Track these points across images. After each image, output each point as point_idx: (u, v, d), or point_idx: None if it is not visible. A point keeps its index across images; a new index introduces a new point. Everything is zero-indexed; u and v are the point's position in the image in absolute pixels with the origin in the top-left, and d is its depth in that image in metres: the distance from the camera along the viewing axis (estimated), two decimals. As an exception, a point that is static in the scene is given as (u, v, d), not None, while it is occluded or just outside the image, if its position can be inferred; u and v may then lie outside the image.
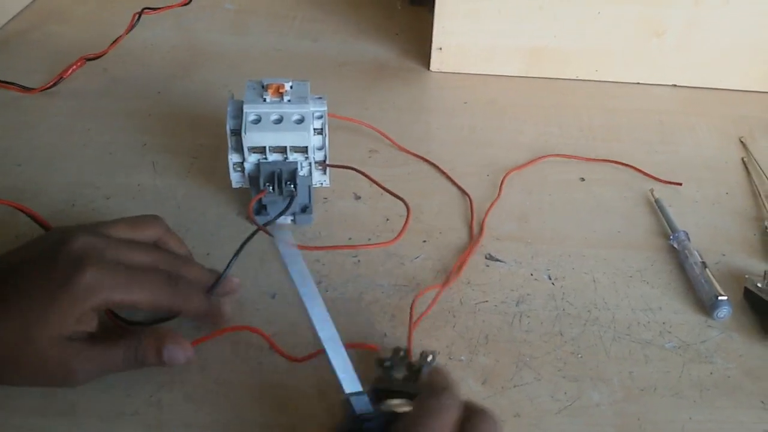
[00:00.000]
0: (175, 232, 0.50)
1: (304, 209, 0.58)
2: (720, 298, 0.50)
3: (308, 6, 0.92)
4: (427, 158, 0.66)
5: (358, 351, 0.46)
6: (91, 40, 0.80)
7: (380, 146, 0.67)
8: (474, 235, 0.58)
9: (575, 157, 0.67)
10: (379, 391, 0.41)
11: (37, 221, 0.52)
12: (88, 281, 0.39)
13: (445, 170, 0.65)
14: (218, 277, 0.47)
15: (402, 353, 0.45)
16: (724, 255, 0.57)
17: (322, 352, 0.39)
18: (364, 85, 0.77)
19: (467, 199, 0.61)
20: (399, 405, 0.39)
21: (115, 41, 0.79)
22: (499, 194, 0.62)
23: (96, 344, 0.41)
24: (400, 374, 0.43)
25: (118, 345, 0.42)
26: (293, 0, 0.94)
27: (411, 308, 0.49)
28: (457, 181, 0.63)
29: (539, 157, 0.67)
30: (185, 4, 0.89)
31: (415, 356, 0.45)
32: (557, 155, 0.67)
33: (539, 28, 0.76)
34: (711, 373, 0.47)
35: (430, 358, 0.44)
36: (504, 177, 0.64)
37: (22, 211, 0.52)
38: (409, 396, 0.39)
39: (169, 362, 0.43)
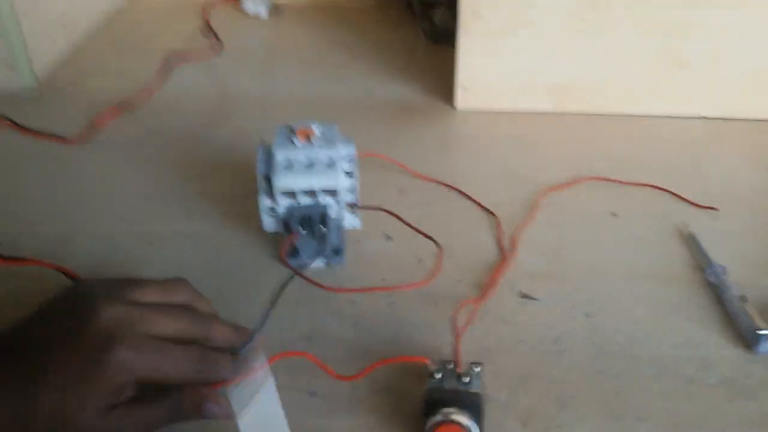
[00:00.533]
0: (201, 293, 0.49)
1: (337, 251, 0.58)
2: (761, 332, 0.49)
3: (334, 50, 0.94)
4: (456, 188, 0.66)
5: (408, 364, 0.47)
6: (125, 90, 0.83)
7: (409, 185, 0.68)
8: (506, 255, 0.58)
9: (612, 180, 0.67)
10: (432, 401, 0.42)
11: (71, 278, 0.53)
12: (118, 359, 0.39)
13: (474, 202, 0.65)
14: (251, 334, 0.48)
15: (450, 365, 0.45)
16: (763, 288, 0.56)
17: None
18: (392, 125, 0.78)
19: (498, 231, 0.62)
20: (452, 413, 0.41)
21: (149, 92, 0.82)
22: (532, 216, 0.63)
23: (136, 406, 0.41)
24: (450, 385, 0.44)
25: (159, 403, 0.41)
26: (319, 45, 0.96)
27: (454, 320, 0.49)
28: (486, 212, 0.64)
29: (575, 181, 0.67)
30: (216, 54, 0.91)
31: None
32: (593, 178, 0.67)
33: (562, 63, 0.77)
34: (756, 410, 0.46)
35: (478, 368, 0.45)
36: (536, 203, 0.65)
37: (58, 270, 0.54)
38: (460, 405, 0.41)
39: (208, 416, 0.43)
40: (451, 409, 0.41)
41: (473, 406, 0.42)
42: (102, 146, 0.74)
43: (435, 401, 0.42)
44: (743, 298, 0.53)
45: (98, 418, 0.39)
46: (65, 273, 0.55)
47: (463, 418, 0.41)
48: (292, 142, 0.56)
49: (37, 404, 0.38)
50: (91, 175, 0.70)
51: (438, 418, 0.41)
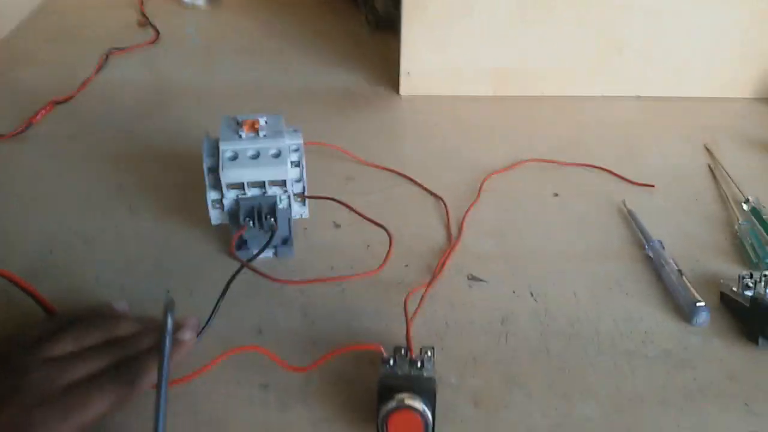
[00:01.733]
0: (127, 313, 0.48)
1: (285, 241, 0.58)
2: (698, 304, 0.51)
3: (273, 38, 0.93)
4: (402, 174, 0.67)
5: (361, 352, 0.47)
6: (59, 83, 0.80)
7: (356, 172, 0.68)
8: (454, 239, 0.59)
9: (550, 161, 0.68)
10: (386, 387, 0.42)
11: (13, 282, 0.51)
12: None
13: (421, 187, 0.66)
14: (205, 323, 0.47)
15: (403, 350, 0.46)
16: (698, 261, 0.58)
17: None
18: (336, 113, 0.78)
19: (446, 215, 0.62)
20: (406, 398, 0.41)
21: (83, 83, 0.79)
22: (477, 199, 0.64)
23: None
24: (403, 371, 0.44)
25: None
26: (258, 32, 0.95)
27: (405, 305, 0.50)
28: (433, 196, 0.64)
29: (517, 163, 0.68)
30: (152, 43, 0.89)
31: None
32: (534, 160, 0.69)
33: (503, 49, 0.78)
34: (695, 379, 0.48)
35: (429, 353, 0.45)
36: (481, 186, 0.66)
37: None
38: (414, 390, 0.42)
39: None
40: (404, 395, 0.42)
41: (426, 390, 0.42)
42: (36, 141, 0.72)
43: (388, 387, 0.43)
44: (681, 272, 0.55)
45: None
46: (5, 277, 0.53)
47: (417, 403, 0.42)
48: (238, 134, 0.55)
49: None
50: (26, 172, 0.67)
51: (392, 404, 0.42)
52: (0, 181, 0.66)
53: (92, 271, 0.56)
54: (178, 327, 0.45)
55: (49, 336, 0.43)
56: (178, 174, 0.67)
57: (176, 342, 0.45)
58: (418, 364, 0.44)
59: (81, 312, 0.47)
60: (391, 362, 0.45)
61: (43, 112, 0.75)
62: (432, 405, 0.42)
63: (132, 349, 0.44)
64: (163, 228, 0.61)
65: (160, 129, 0.74)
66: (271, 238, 0.55)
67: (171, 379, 0.42)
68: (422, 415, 0.41)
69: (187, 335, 0.46)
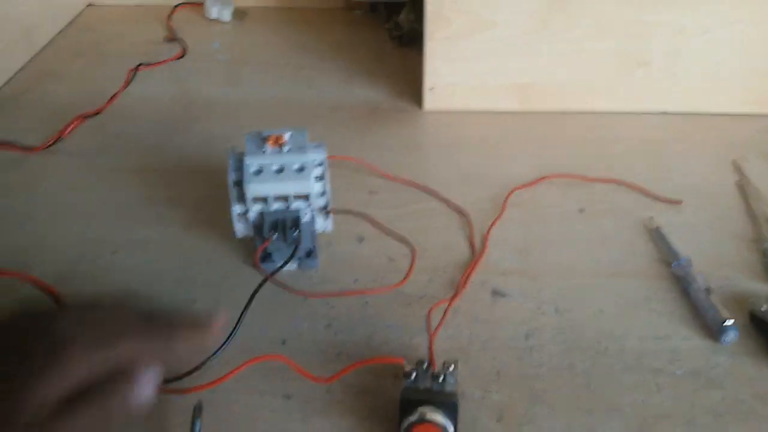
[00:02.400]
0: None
1: (309, 254, 0.58)
2: (726, 323, 0.51)
3: (297, 53, 0.94)
4: (426, 189, 0.67)
5: (384, 366, 0.47)
6: (88, 97, 0.82)
7: (380, 186, 0.68)
8: (477, 253, 0.58)
9: (576, 177, 0.68)
10: (408, 401, 0.42)
11: (39, 287, 0.53)
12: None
13: (445, 201, 0.66)
14: (229, 335, 0.48)
15: (426, 364, 0.46)
16: (726, 279, 0.57)
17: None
18: (360, 128, 0.78)
19: (469, 229, 0.62)
20: (428, 412, 0.41)
21: (112, 98, 0.81)
22: (501, 214, 0.64)
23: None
24: (425, 384, 0.44)
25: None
26: (282, 48, 0.96)
27: (428, 319, 0.50)
28: (457, 211, 0.65)
29: (541, 178, 0.68)
30: (179, 58, 0.90)
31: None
32: (559, 175, 0.69)
33: (527, 64, 0.78)
34: (723, 399, 0.47)
35: (452, 367, 0.45)
36: (505, 201, 0.66)
37: (26, 279, 0.53)
38: (436, 404, 0.42)
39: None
40: (426, 408, 0.42)
41: (448, 404, 0.42)
42: (66, 154, 0.73)
43: (411, 401, 0.43)
44: (708, 290, 0.54)
45: None
46: (33, 282, 0.55)
47: (439, 417, 0.42)
48: (263, 149, 0.55)
49: None
50: (56, 184, 0.69)
51: (414, 417, 0.42)
52: (31, 192, 0.67)
53: (119, 281, 0.57)
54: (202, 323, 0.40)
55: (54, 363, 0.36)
56: (205, 187, 0.67)
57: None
58: (441, 378, 0.44)
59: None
60: (414, 376, 0.44)
61: (73, 126, 0.76)
62: (454, 419, 0.42)
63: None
64: (189, 240, 0.61)
65: (186, 143, 0.75)
66: (295, 251, 0.55)
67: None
68: (444, 429, 0.41)
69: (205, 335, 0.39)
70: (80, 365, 0.35)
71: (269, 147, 0.55)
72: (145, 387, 0.36)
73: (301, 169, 0.55)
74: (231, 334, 0.49)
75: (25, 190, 0.68)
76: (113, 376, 0.36)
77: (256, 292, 0.51)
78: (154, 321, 0.39)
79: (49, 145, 0.73)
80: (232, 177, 0.55)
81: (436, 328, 0.51)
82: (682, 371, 0.49)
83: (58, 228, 0.63)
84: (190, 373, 0.46)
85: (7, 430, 0.34)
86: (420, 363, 0.46)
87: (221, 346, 0.48)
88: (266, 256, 0.58)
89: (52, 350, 0.35)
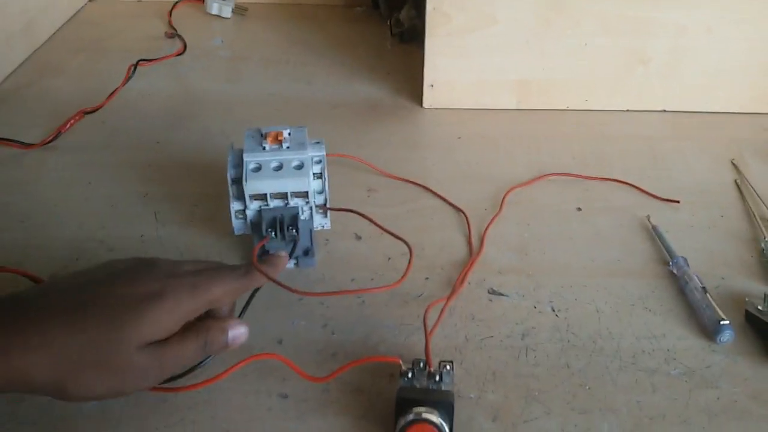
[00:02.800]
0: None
1: (307, 252, 0.59)
2: (722, 322, 0.51)
3: (299, 50, 0.94)
4: (424, 187, 0.67)
5: (380, 365, 0.48)
6: (88, 93, 0.82)
7: (378, 184, 0.68)
8: (475, 252, 0.59)
9: (574, 175, 0.68)
10: (404, 400, 0.43)
11: (36, 283, 0.53)
12: (166, 307, 0.42)
13: (443, 200, 0.66)
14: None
15: (422, 364, 0.46)
16: (723, 278, 0.57)
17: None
18: (359, 125, 0.78)
19: (467, 228, 0.62)
20: (423, 411, 0.42)
21: (111, 93, 0.81)
22: (499, 212, 0.64)
23: (169, 344, 0.42)
24: (421, 384, 0.44)
25: (189, 339, 0.43)
26: (284, 45, 0.96)
27: (424, 318, 0.50)
28: (455, 209, 0.65)
29: (540, 176, 0.68)
30: (179, 54, 0.90)
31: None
32: (557, 174, 0.69)
33: (527, 61, 0.78)
34: (718, 399, 0.47)
35: (448, 366, 0.46)
36: (503, 199, 0.66)
37: (23, 275, 0.53)
38: (431, 403, 0.42)
39: (233, 343, 0.45)
40: (422, 408, 0.42)
41: (444, 403, 0.42)
42: (64, 150, 0.73)
43: (406, 400, 0.43)
44: (705, 290, 0.54)
45: (138, 353, 0.41)
46: (31, 278, 0.55)
47: (434, 417, 0.42)
48: (262, 146, 0.56)
49: (85, 331, 0.40)
50: (54, 180, 0.69)
51: (409, 417, 0.42)
52: (29, 188, 0.68)
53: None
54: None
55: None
56: (203, 184, 0.67)
57: (273, 258, 0.51)
58: (437, 378, 0.44)
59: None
60: (410, 375, 0.45)
61: (73, 121, 0.76)
62: (449, 419, 0.42)
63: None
64: (187, 236, 0.61)
65: (186, 139, 0.75)
66: (293, 249, 0.55)
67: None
68: (439, 428, 0.41)
69: (282, 253, 0.52)
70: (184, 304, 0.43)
71: (268, 144, 0.56)
72: (238, 327, 0.46)
73: (300, 167, 0.55)
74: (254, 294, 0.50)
75: (24, 186, 0.68)
76: (211, 315, 0.46)
77: (256, 291, 0.51)
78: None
79: (48, 141, 0.73)
80: (230, 174, 0.55)
81: (433, 328, 0.51)
82: (677, 371, 0.49)
83: (55, 224, 0.63)
84: (187, 373, 0.46)
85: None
86: (416, 362, 0.46)
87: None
88: (264, 254, 0.58)
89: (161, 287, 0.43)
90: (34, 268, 0.56)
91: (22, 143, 0.73)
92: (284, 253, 0.52)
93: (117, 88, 0.81)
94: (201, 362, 0.47)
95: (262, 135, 0.56)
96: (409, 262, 0.53)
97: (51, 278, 0.50)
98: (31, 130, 0.75)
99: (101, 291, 0.42)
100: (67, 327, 0.39)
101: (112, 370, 0.40)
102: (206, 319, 0.45)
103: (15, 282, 0.55)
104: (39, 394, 0.40)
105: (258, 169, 0.54)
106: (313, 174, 0.56)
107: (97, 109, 0.78)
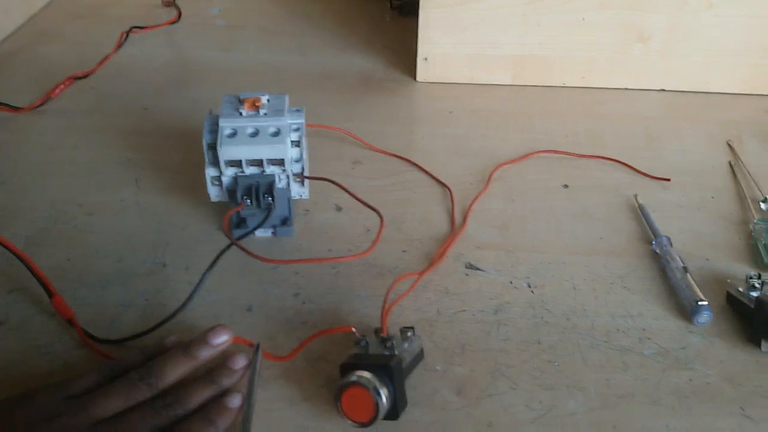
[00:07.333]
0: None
1: (285, 222, 0.58)
2: (700, 303, 0.49)
3: (297, 21, 0.93)
4: (410, 161, 0.66)
5: (346, 334, 0.47)
6: (79, 59, 0.81)
7: (365, 157, 0.68)
8: (457, 227, 0.58)
9: (565, 153, 0.67)
10: (346, 365, 0.42)
11: (10, 250, 0.52)
12: None
13: (428, 174, 0.65)
14: (188, 297, 0.48)
15: (379, 332, 0.46)
16: (707, 260, 0.56)
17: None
18: (351, 97, 0.77)
19: (451, 203, 0.61)
20: (360, 374, 0.41)
21: (103, 60, 0.80)
22: (485, 188, 0.63)
23: None
24: (374, 351, 0.44)
25: None
26: (282, 15, 0.94)
27: (387, 292, 0.49)
28: (440, 184, 0.64)
29: (530, 153, 0.67)
30: (174, 22, 0.90)
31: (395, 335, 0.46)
32: (548, 151, 0.68)
33: (523, 36, 0.76)
34: (690, 380, 0.46)
35: (410, 333, 0.45)
36: (490, 176, 0.65)
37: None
38: (372, 368, 0.41)
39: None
40: (361, 372, 0.41)
41: (384, 367, 0.42)
42: (53, 115, 0.73)
43: (347, 365, 0.42)
44: (686, 270, 0.53)
45: None
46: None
47: (369, 380, 0.41)
48: (239, 112, 0.55)
49: None
50: (40, 145, 0.68)
51: (345, 380, 0.41)
52: (14, 152, 0.67)
53: (93, 242, 0.56)
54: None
55: (96, 391, 0.41)
56: (187, 151, 0.67)
57: (223, 407, 0.43)
58: (387, 344, 0.44)
59: (129, 358, 0.44)
60: (362, 343, 0.44)
61: (62, 87, 0.76)
62: (390, 381, 0.41)
63: (180, 408, 0.41)
64: (166, 203, 0.61)
65: (174, 107, 0.75)
66: (266, 216, 0.55)
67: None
68: (375, 391, 0.40)
69: (237, 401, 0.43)
70: None
71: (245, 110, 0.55)
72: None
73: (276, 134, 0.54)
74: (190, 297, 0.49)
75: (9, 150, 0.68)
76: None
77: (219, 256, 0.50)
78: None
79: (37, 106, 0.73)
80: (206, 139, 0.54)
81: (399, 298, 0.51)
82: (651, 351, 0.48)
83: (36, 188, 0.63)
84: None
85: None
86: (377, 331, 0.45)
87: (179, 309, 0.48)
88: (240, 222, 0.57)
89: None
90: (13, 230, 0.56)
91: (11, 107, 0.72)
92: (234, 403, 0.43)
93: (108, 55, 0.81)
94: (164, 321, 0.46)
95: (239, 101, 0.55)
96: (379, 232, 0.52)
97: None
98: (21, 94, 0.75)
99: None
100: None
101: None
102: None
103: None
104: None
105: (233, 134, 0.54)
106: (291, 142, 0.55)
107: (86, 75, 0.78)
